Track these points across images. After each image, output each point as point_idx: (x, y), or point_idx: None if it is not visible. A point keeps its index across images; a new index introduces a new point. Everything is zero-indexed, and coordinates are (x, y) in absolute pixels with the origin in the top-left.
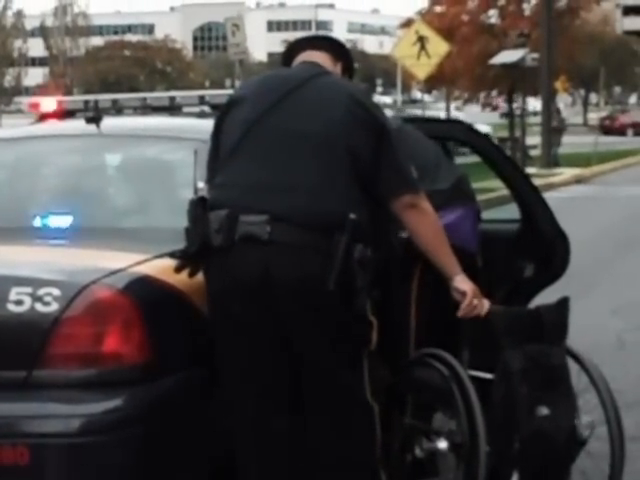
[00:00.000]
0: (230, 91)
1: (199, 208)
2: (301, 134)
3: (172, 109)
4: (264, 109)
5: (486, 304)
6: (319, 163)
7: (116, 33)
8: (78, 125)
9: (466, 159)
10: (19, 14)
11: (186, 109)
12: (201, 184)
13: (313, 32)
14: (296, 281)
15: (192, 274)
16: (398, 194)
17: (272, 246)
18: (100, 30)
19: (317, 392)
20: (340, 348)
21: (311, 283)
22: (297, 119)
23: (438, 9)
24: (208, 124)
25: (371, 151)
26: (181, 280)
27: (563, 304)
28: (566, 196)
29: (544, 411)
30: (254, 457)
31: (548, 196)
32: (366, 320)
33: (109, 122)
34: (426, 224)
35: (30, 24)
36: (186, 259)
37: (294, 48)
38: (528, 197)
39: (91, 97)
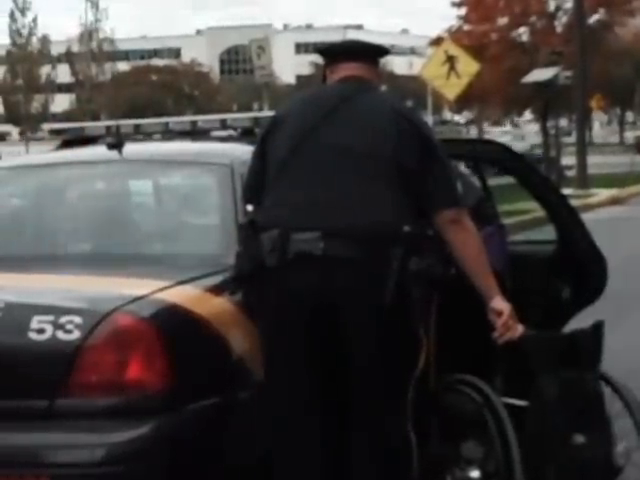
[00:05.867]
0: (253, 114)
1: (249, 230)
2: (348, 149)
3: (194, 133)
4: (309, 127)
5: (520, 328)
6: (368, 177)
7: (142, 58)
8: (100, 151)
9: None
10: (44, 39)
11: (214, 133)
12: (249, 207)
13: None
14: (352, 294)
15: (246, 296)
16: (442, 208)
17: (327, 261)
18: (126, 55)
19: (362, 410)
20: (392, 363)
21: (367, 296)
22: (343, 135)
23: (467, 27)
24: (232, 148)
25: (417, 164)
26: (203, 307)
27: (598, 328)
28: (602, 217)
29: (580, 439)
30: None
31: (584, 217)
32: (418, 337)
33: (131, 148)
34: (469, 242)
35: (56, 50)
36: (239, 281)
37: (330, 62)
38: (565, 219)
39: (112, 122)
